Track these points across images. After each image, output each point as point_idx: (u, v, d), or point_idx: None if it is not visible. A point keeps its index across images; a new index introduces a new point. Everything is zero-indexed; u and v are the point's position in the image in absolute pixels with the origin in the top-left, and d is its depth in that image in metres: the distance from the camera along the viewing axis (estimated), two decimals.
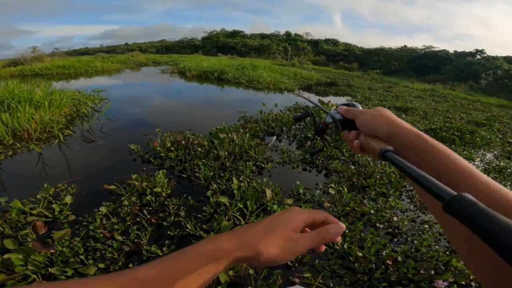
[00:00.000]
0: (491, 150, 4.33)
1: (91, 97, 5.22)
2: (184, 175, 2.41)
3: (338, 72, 21.95)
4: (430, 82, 21.92)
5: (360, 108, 0.45)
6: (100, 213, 1.83)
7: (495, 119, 7.46)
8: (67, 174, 2.39)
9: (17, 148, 2.89)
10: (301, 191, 2.27)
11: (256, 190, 2.20)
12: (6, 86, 4.49)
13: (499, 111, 9.83)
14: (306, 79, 12.14)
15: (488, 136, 4.76)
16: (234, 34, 62.96)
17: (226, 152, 2.77)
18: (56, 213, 1.81)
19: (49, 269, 1.36)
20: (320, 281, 1.47)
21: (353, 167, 2.84)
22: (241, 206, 1.96)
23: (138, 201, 2.00)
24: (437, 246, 1.80)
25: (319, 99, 4.52)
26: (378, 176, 2.61)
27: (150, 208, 1.94)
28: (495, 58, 28.15)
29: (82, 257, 1.47)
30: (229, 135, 3.20)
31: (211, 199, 2.04)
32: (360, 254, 1.63)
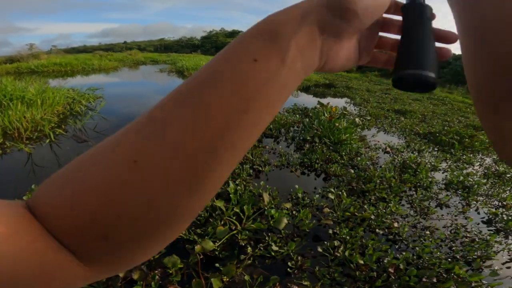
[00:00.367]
0: (490, 154, 4.30)
1: (86, 95, 5.12)
2: None
3: (337, 74, 21.95)
4: None
5: None
6: None
7: None
8: None
9: (6, 148, 2.80)
10: (299, 195, 2.21)
11: (253, 194, 2.14)
12: (0, 83, 4.39)
13: None
14: (304, 80, 12.09)
15: (487, 140, 4.72)
16: (234, 34, 62.93)
17: None
18: None
19: None
20: None
21: (352, 171, 2.78)
22: (238, 210, 1.89)
23: None
24: (438, 253, 1.75)
25: (318, 101, 4.47)
26: (378, 181, 2.55)
27: None
28: None
29: None
30: None
31: None
32: (361, 262, 1.58)
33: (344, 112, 4.05)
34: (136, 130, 0.17)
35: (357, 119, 4.46)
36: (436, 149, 4.12)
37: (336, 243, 1.72)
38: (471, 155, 4.00)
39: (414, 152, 3.81)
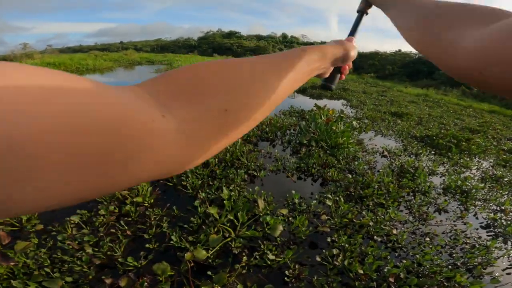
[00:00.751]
0: (487, 158, 4.29)
1: None
2: (171, 184, 2.26)
3: None
4: (423, 86, 22.14)
5: None
6: (72, 222, 1.69)
7: (488, 126, 7.48)
8: None
9: None
10: (296, 200, 2.14)
11: (248, 200, 2.07)
12: None
13: (491, 117, 9.91)
14: None
15: (483, 144, 4.72)
16: (231, 35, 62.87)
17: (216, 159, 2.63)
18: (23, 221, 1.66)
19: (12, 281, 1.23)
20: None
21: (350, 175, 2.73)
22: (232, 217, 1.82)
23: (116, 210, 1.84)
24: (439, 260, 1.70)
25: (315, 104, 4.42)
26: (376, 186, 2.50)
27: (130, 219, 1.79)
28: None
29: (47, 269, 1.34)
30: None
31: (199, 209, 1.90)
32: (361, 271, 1.52)
33: (342, 115, 4.00)
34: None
35: (354, 122, 4.42)
36: (433, 152, 4.09)
37: (335, 251, 1.67)
38: (468, 159, 3.98)
39: (412, 156, 3.77)
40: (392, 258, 1.70)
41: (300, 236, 1.79)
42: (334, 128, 3.55)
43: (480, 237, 2.09)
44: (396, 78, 33.08)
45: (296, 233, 1.82)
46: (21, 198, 0.11)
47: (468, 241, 2.02)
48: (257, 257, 1.58)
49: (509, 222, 2.34)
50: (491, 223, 2.34)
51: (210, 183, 2.29)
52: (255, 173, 2.58)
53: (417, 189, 2.70)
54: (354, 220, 2.01)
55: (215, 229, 1.74)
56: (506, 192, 2.96)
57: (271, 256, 1.57)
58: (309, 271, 1.53)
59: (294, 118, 4.77)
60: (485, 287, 1.52)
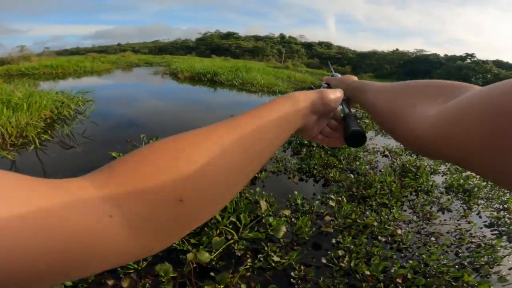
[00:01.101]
0: None
1: (75, 98, 4.94)
2: None
3: None
4: None
5: (338, 77, 0.58)
6: None
7: None
8: None
9: None
10: (299, 201, 2.11)
11: (250, 201, 2.04)
12: None
13: None
14: (300, 82, 12.06)
15: None
16: (229, 36, 62.88)
17: None
18: None
19: None
20: None
21: (352, 176, 2.70)
22: (234, 219, 1.79)
23: None
24: (445, 260, 1.68)
25: None
26: (378, 186, 2.47)
27: None
28: (485, 62, 28.69)
29: None
30: None
31: None
32: (368, 272, 1.50)
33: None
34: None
35: None
36: None
37: (340, 252, 1.64)
38: None
39: (413, 155, 3.75)
40: (398, 259, 1.68)
41: (303, 237, 1.77)
42: None
43: (485, 236, 2.07)
44: (395, 77, 33.18)
45: (299, 234, 1.79)
46: None
47: (473, 240, 2.00)
48: (261, 259, 1.56)
49: None
50: (495, 222, 2.32)
51: None
52: (256, 175, 2.55)
53: (419, 188, 2.68)
54: (358, 221, 1.98)
55: (218, 231, 1.71)
56: (507, 191, 2.94)
57: (276, 258, 1.54)
58: (315, 273, 1.50)
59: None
60: (493, 287, 1.50)
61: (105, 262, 0.18)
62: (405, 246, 1.82)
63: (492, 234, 2.14)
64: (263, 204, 1.96)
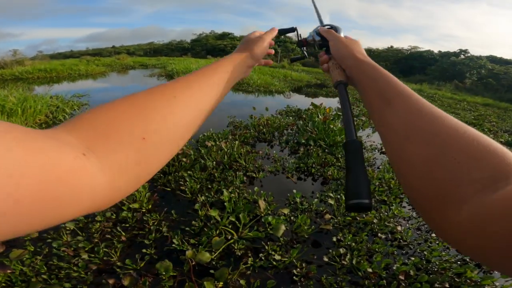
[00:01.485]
0: None
1: (71, 102, 4.90)
2: (169, 189, 2.20)
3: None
4: (416, 82, 22.31)
5: (341, 33, 0.51)
6: (67, 228, 1.64)
7: (483, 118, 7.56)
8: None
9: None
10: (297, 200, 2.11)
11: (248, 201, 2.03)
12: None
13: (486, 110, 10.03)
14: (296, 81, 12.06)
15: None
16: (224, 36, 62.76)
17: (214, 162, 2.57)
18: None
19: None
20: None
21: None
22: (233, 219, 1.78)
23: (113, 217, 1.79)
24: (447, 256, 1.68)
25: (311, 103, 4.38)
26: (377, 183, 2.47)
27: (127, 225, 1.74)
28: (479, 58, 28.82)
29: (45, 276, 1.31)
30: (217, 142, 2.99)
31: (200, 212, 1.86)
32: (370, 270, 1.49)
33: (338, 113, 3.97)
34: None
35: None
36: None
37: (341, 250, 1.64)
38: None
39: None
40: (399, 255, 1.68)
41: (302, 235, 1.76)
42: (331, 126, 3.52)
43: None
44: None
45: (298, 232, 1.78)
46: None
47: None
48: (263, 258, 1.55)
49: None
50: None
51: (209, 186, 2.23)
52: (254, 175, 2.53)
53: None
54: (358, 218, 1.98)
55: (217, 231, 1.70)
56: None
57: (277, 257, 1.54)
58: (317, 271, 1.50)
59: (291, 117, 4.74)
60: (496, 282, 1.50)
61: (82, 203, 0.19)
62: (406, 243, 1.81)
63: None
64: (262, 204, 1.95)
